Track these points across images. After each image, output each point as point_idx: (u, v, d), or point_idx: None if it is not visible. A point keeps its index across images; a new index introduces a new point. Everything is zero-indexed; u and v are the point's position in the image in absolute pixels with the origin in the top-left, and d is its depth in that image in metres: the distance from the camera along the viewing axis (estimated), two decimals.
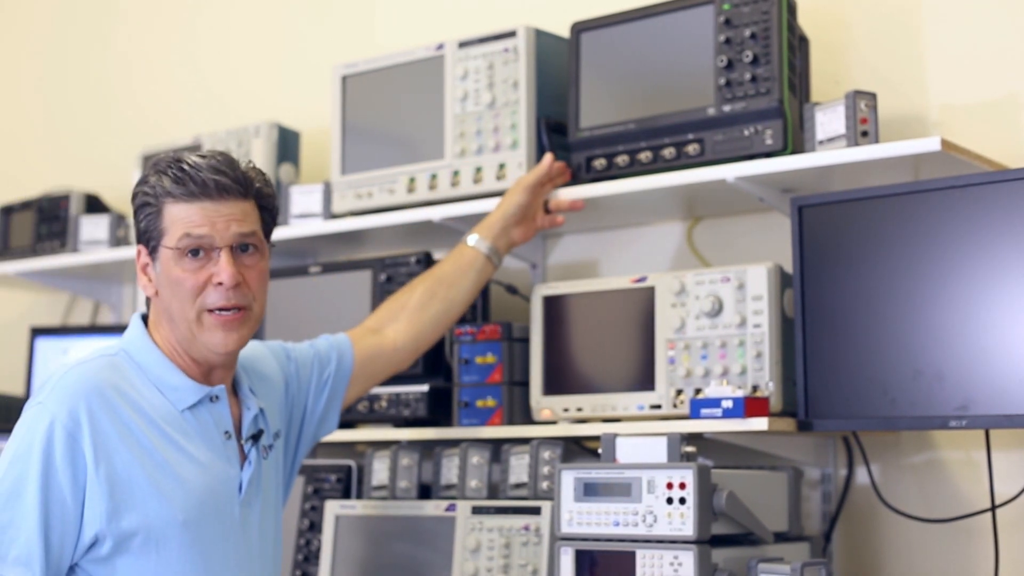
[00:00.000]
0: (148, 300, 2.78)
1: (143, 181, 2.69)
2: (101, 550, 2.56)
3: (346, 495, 3.56)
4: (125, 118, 5.04)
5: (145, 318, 2.78)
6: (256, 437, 2.79)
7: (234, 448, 2.74)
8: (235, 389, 2.82)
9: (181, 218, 2.64)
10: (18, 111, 5.50)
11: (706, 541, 2.74)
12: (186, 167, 2.65)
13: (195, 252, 2.65)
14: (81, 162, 5.05)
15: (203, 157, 2.68)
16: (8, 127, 5.51)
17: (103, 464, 2.55)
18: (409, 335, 3.21)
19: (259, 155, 4.05)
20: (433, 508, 3.30)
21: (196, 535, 2.62)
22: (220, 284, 2.65)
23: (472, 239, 3.30)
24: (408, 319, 3.21)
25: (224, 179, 2.66)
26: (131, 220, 4.33)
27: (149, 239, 2.68)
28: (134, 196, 2.70)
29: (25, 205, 4.70)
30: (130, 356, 2.71)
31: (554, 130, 3.44)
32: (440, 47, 3.61)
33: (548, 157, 3.35)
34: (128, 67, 5.11)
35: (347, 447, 3.87)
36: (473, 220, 3.55)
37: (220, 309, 2.67)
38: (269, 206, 2.77)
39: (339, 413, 3.12)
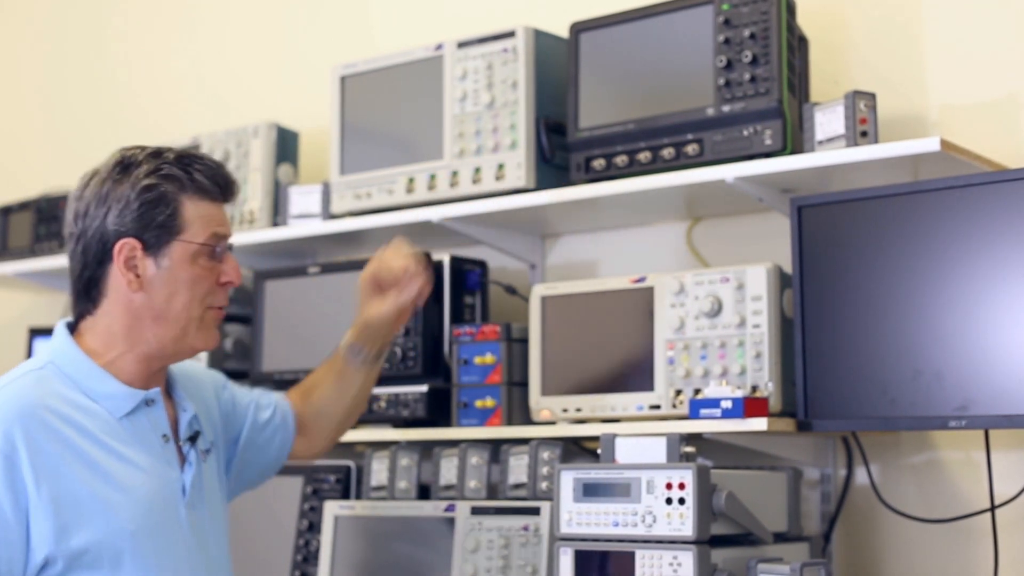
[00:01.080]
0: (84, 299, 2.67)
1: (153, 173, 2.62)
2: (54, 571, 2.50)
3: (345, 495, 3.56)
4: (124, 118, 5.03)
5: (71, 326, 2.70)
6: (193, 439, 2.73)
7: (172, 451, 2.68)
8: (169, 392, 2.76)
9: (208, 216, 2.65)
10: (16, 111, 5.50)
11: (705, 541, 2.73)
12: (209, 165, 2.66)
13: (215, 252, 2.66)
14: (80, 162, 4.99)
15: (208, 158, 2.70)
16: (6, 127, 5.51)
17: (45, 485, 2.49)
18: (323, 434, 3.12)
19: (258, 155, 4.05)
20: (432, 508, 3.30)
21: (147, 543, 2.57)
22: (228, 283, 2.69)
23: (344, 341, 3.07)
24: (319, 418, 3.10)
25: (237, 184, 2.72)
26: None
27: (159, 234, 2.61)
28: (144, 188, 2.61)
29: (23, 205, 4.69)
30: (59, 368, 2.63)
31: (553, 130, 3.44)
32: (439, 47, 3.60)
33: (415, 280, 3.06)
34: (127, 67, 5.10)
35: (346, 447, 3.87)
36: (472, 220, 3.56)
37: (220, 307, 2.70)
38: None
39: (271, 473, 3.06)
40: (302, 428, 3.08)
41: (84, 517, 2.52)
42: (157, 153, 2.66)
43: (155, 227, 2.61)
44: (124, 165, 2.65)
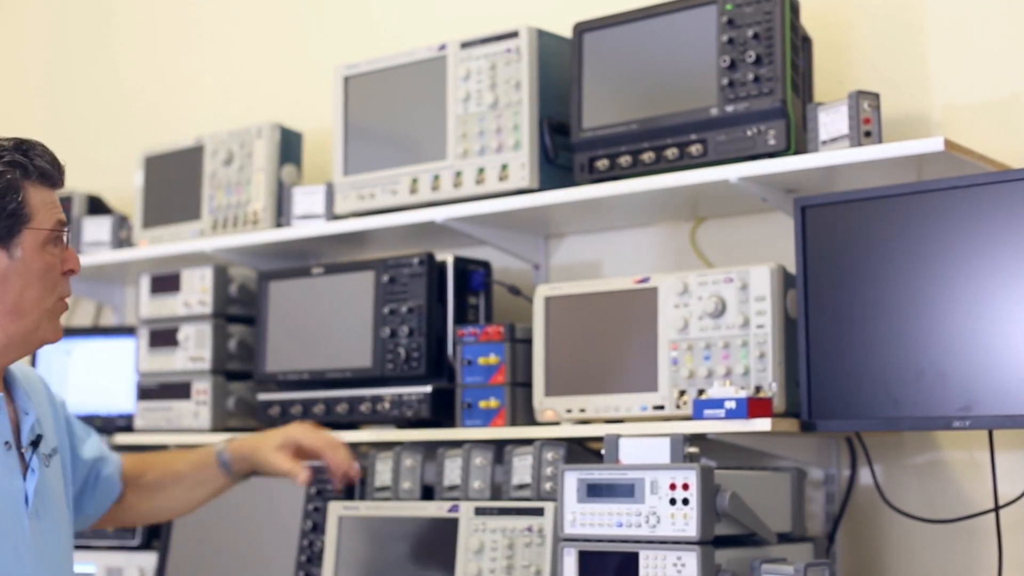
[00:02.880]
0: None
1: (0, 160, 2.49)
2: None
3: (349, 496, 3.55)
4: (128, 120, 5.03)
5: None
6: (36, 443, 2.56)
7: (15, 458, 2.52)
8: (9, 395, 2.59)
9: (49, 202, 2.53)
10: (20, 112, 5.50)
11: (709, 542, 2.73)
12: (46, 151, 2.56)
13: (59, 239, 2.54)
14: (83, 163, 5.03)
15: (41, 144, 2.58)
16: (10, 128, 5.50)
17: None
18: (123, 506, 2.97)
19: (261, 156, 4.05)
20: (436, 509, 3.30)
21: None
22: (70, 272, 2.58)
23: (221, 454, 3.01)
24: (136, 492, 2.97)
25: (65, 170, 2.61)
26: (134, 221, 4.38)
27: (9, 223, 2.47)
28: None
29: None
30: None
31: (557, 131, 3.44)
32: (442, 47, 3.60)
33: (341, 465, 3.05)
34: (131, 69, 5.10)
35: (350, 448, 3.87)
36: (476, 221, 3.55)
37: (65, 298, 2.59)
38: None
39: (92, 521, 2.92)
40: (122, 500, 2.95)
41: None
42: None
43: (5, 216, 2.47)
44: None
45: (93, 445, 2.88)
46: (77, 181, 4.77)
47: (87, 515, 2.88)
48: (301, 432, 3.05)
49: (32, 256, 2.50)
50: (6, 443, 2.51)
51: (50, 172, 2.54)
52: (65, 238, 2.56)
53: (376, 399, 3.54)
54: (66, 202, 4.51)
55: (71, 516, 2.69)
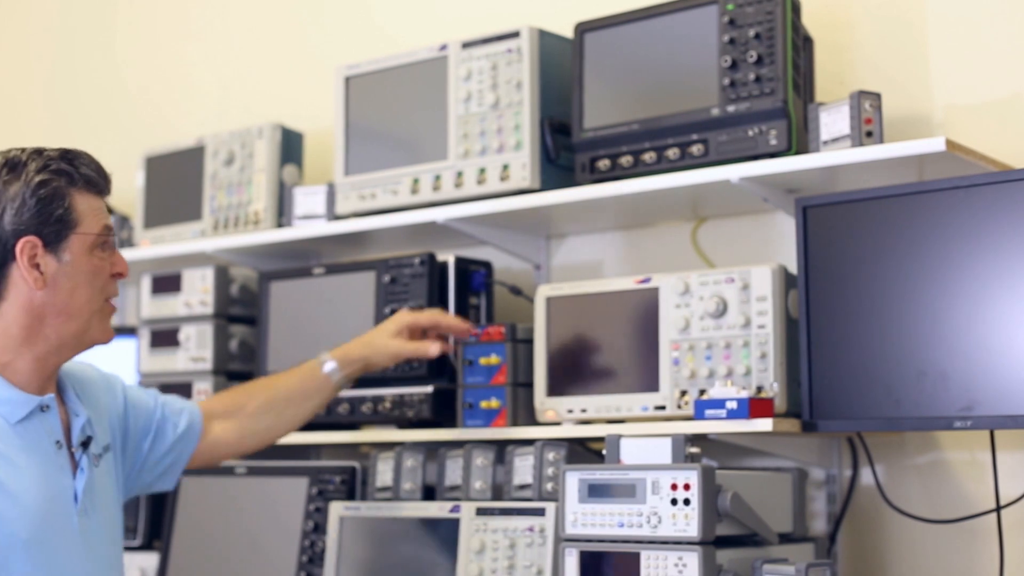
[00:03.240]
0: None
1: (43, 170, 2.62)
2: None
3: (350, 496, 3.55)
4: (128, 120, 5.04)
5: None
6: (86, 444, 2.71)
7: (65, 457, 2.67)
8: (61, 397, 2.75)
9: (96, 208, 2.69)
10: (23, 112, 5.50)
11: (711, 542, 2.73)
12: (91, 160, 2.70)
13: (106, 243, 2.70)
14: None
15: (86, 153, 2.72)
16: (11, 128, 5.51)
17: None
18: (233, 438, 3.15)
19: (262, 156, 4.05)
20: (437, 509, 3.30)
21: (39, 552, 2.56)
22: (119, 275, 2.74)
23: (330, 367, 3.23)
24: (239, 423, 3.15)
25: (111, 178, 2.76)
26: (135, 221, 4.38)
27: (58, 229, 2.62)
28: (37, 185, 2.61)
29: None
30: None
31: (558, 131, 3.44)
32: (443, 48, 3.60)
33: (455, 322, 3.37)
34: (132, 69, 5.11)
35: (351, 448, 3.87)
36: (477, 221, 3.55)
37: (113, 298, 2.75)
38: None
39: (178, 476, 3.07)
40: (223, 433, 3.12)
41: None
42: (39, 151, 2.67)
43: (53, 222, 2.62)
44: (10, 166, 2.64)
45: (172, 410, 3.03)
46: None
47: (170, 466, 3.03)
48: (409, 316, 3.30)
49: (80, 259, 2.65)
50: (57, 443, 2.67)
51: (95, 179, 2.69)
52: (113, 242, 2.73)
53: (377, 399, 3.54)
54: None
55: (120, 514, 2.83)
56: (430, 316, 3.34)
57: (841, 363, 2.95)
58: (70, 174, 2.65)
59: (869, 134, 2.99)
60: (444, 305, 3.51)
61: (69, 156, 2.68)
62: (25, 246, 2.61)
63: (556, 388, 3.31)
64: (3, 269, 2.63)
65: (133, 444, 2.95)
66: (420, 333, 3.33)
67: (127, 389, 2.98)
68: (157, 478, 3.03)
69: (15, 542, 2.54)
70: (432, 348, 3.29)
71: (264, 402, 3.18)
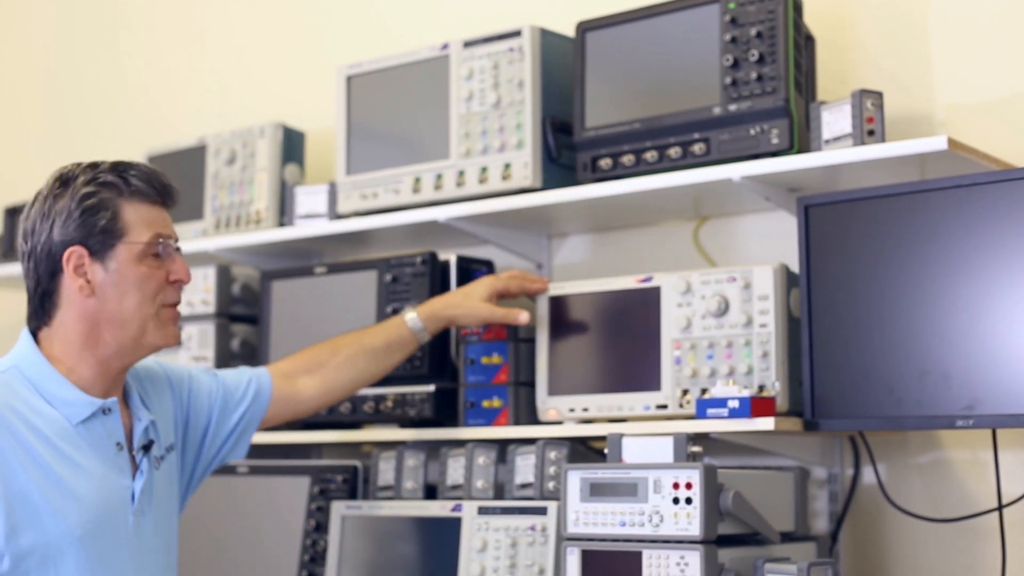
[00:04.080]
0: (40, 312, 2.77)
1: (91, 182, 2.72)
2: (1, 567, 2.59)
3: (352, 496, 3.55)
4: (130, 119, 5.04)
5: (34, 334, 2.78)
6: (147, 448, 2.81)
7: (126, 459, 2.77)
8: (125, 400, 2.84)
9: (148, 218, 2.76)
10: (23, 111, 5.50)
11: (712, 541, 2.73)
12: (145, 171, 2.77)
13: (161, 251, 2.77)
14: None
15: (143, 165, 2.80)
16: (12, 127, 5.52)
17: (0, 483, 2.60)
18: (318, 392, 3.23)
19: (264, 155, 4.05)
20: (439, 508, 3.30)
21: (93, 548, 2.65)
22: (178, 281, 2.80)
23: (414, 322, 3.30)
24: (323, 377, 3.24)
25: (175, 189, 2.83)
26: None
27: (103, 239, 2.71)
28: (83, 196, 2.71)
29: None
30: (22, 372, 2.73)
31: (559, 130, 3.44)
32: (445, 47, 3.60)
33: (538, 283, 3.39)
34: (133, 68, 5.11)
35: (353, 448, 3.87)
36: (478, 220, 3.55)
37: (173, 305, 2.81)
38: None
39: (249, 443, 3.15)
40: (307, 388, 3.21)
41: (33, 519, 2.61)
42: (94, 165, 2.76)
43: (98, 232, 2.71)
44: (63, 180, 2.76)
45: (234, 385, 3.12)
46: None
47: (240, 435, 3.11)
48: (500, 283, 3.36)
49: (127, 268, 2.73)
50: (118, 444, 2.76)
51: (145, 190, 2.76)
52: (162, 250, 2.77)
53: (379, 398, 3.54)
54: None
55: (176, 514, 2.93)
56: (519, 283, 3.37)
57: (843, 362, 2.95)
58: (117, 185, 2.72)
59: (871, 133, 2.98)
60: None
61: (120, 168, 2.76)
62: (71, 256, 2.71)
63: (558, 387, 3.31)
64: (56, 279, 2.73)
65: (197, 435, 3.04)
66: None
67: (192, 381, 3.06)
68: (230, 450, 3.11)
69: (71, 537, 2.63)
70: (522, 316, 3.32)
71: (348, 357, 3.25)
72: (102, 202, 2.71)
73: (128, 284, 2.73)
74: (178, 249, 2.82)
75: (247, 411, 3.11)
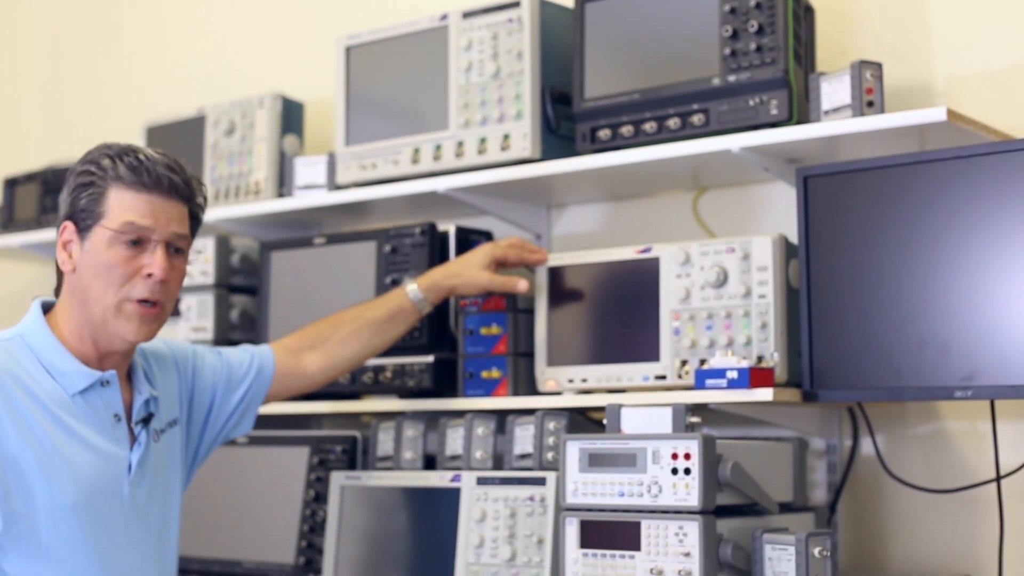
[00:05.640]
0: (59, 280, 2.83)
1: (91, 161, 2.76)
2: None
3: (351, 466, 3.56)
4: (130, 90, 5.03)
5: (45, 306, 2.84)
6: (147, 420, 2.85)
7: (124, 430, 2.80)
8: (130, 375, 2.88)
9: (127, 205, 2.73)
10: (22, 83, 5.49)
11: (711, 511, 2.74)
12: (142, 158, 2.76)
13: (134, 241, 2.73)
14: (85, 133, 5.02)
15: (157, 153, 2.79)
16: (12, 99, 5.51)
17: None
18: (323, 366, 3.26)
19: (263, 126, 4.05)
20: (438, 479, 3.30)
21: (86, 517, 2.69)
22: (150, 276, 2.74)
23: (415, 293, 3.32)
24: (326, 352, 3.26)
25: (176, 178, 2.78)
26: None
27: (84, 218, 2.73)
28: (79, 173, 2.75)
29: (29, 177, 4.69)
30: (25, 341, 2.77)
31: (558, 100, 3.44)
32: (444, 17, 3.60)
33: (538, 253, 3.40)
34: (132, 39, 5.10)
35: (352, 418, 3.88)
36: (478, 191, 3.55)
37: (142, 300, 2.74)
38: (199, 216, 2.88)
39: (254, 418, 3.18)
40: (311, 363, 3.24)
41: (26, 484, 2.65)
42: (108, 146, 2.79)
43: (81, 211, 2.74)
44: (84, 157, 2.80)
45: (237, 362, 3.14)
46: (78, 152, 4.78)
47: (244, 411, 3.15)
48: (499, 250, 3.37)
49: (98, 251, 2.72)
50: (116, 416, 2.79)
51: (127, 177, 2.73)
52: (135, 239, 2.72)
53: (378, 369, 3.55)
54: (66, 173, 4.50)
55: (178, 486, 2.96)
56: (517, 253, 3.38)
57: (842, 333, 2.95)
58: (106, 168, 2.73)
59: (870, 104, 2.98)
60: None
61: (123, 152, 2.76)
62: (64, 229, 2.77)
63: (557, 358, 3.32)
64: (59, 252, 2.80)
65: (202, 412, 3.08)
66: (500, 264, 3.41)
67: (196, 359, 3.09)
68: (235, 426, 3.14)
69: (62, 504, 2.67)
70: (521, 283, 3.34)
71: (351, 331, 3.27)
72: (92, 182, 2.74)
73: (97, 267, 2.72)
74: (174, 247, 2.77)
75: (250, 388, 3.13)
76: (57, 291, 2.85)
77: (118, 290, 2.73)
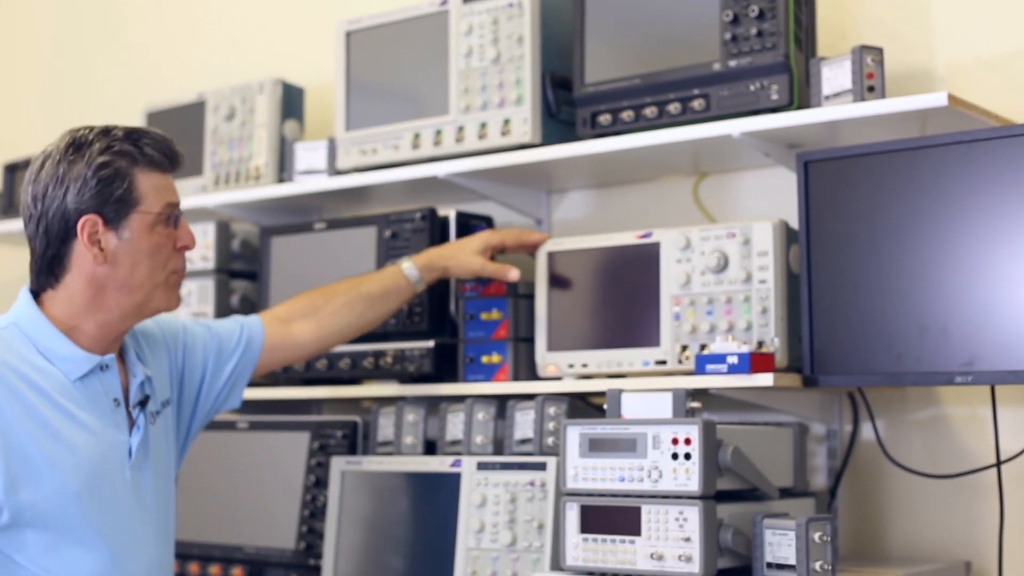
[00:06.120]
0: (46, 275, 2.78)
1: (109, 150, 2.74)
2: (1, 520, 2.63)
3: (352, 451, 3.57)
4: (130, 75, 5.02)
5: (34, 293, 2.81)
6: (143, 403, 2.85)
7: (123, 414, 2.81)
8: (122, 357, 2.88)
9: (159, 186, 2.79)
10: (22, 67, 5.49)
11: (711, 496, 2.74)
12: (156, 138, 2.79)
13: (170, 219, 2.80)
14: (86, 118, 5.00)
15: (155, 132, 2.82)
16: (12, 84, 5.50)
17: None
18: (314, 336, 3.26)
19: (263, 111, 4.04)
20: (438, 464, 3.31)
21: (90, 503, 2.70)
22: (184, 247, 2.83)
23: (410, 271, 3.34)
24: (318, 322, 3.27)
25: (182, 155, 2.85)
26: None
27: (117, 208, 2.73)
28: (100, 166, 2.72)
29: (29, 163, 4.68)
30: (21, 329, 2.76)
31: (559, 85, 3.43)
32: (444, 2, 3.59)
33: (536, 237, 3.42)
34: (133, 23, 5.09)
35: (353, 403, 3.88)
36: (478, 176, 3.54)
37: (180, 271, 2.85)
38: None
39: (243, 392, 3.18)
40: (302, 333, 3.24)
41: (32, 473, 2.65)
42: (106, 131, 2.78)
43: (114, 202, 2.73)
44: (76, 145, 2.76)
45: (227, 334, 3.15)
46: None
47: (234, 384, 3.15)
48: (496, 237, 3.40)
49: (141, 237, 2.76)
50: (115, 400, 2.80)
51: (158, 159, 2.79)
52: (177, 217, 2.82)
53: (378, 354, 3.55)
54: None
55: (173, 467, 2.97)
56: (516, 239, 3.40)
57: (842, 318, 2.95)
58: (133, 154, 2.75)
59: (871, 89, 2.98)
60: None
61: (134, 136, 2.78)
62: (86, 224, 2.72)
63: (557, 343, 3.32)
64: (67, 244, 2.75)
65: (193, 389, 3.08)
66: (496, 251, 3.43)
67: (186, 334, 3.10)
68: (224, 400, 3.14)
69: (68, 492, 2.67)
70: (512, 273, 3.36)
71: (344, 303, 3.29)
72: (118, 171, 2.73)
73: (141, 253, 2.75)
74: (181, 214, 2.85)
75: (240, 361, 3.13)
76: (37, 283, 2.80)
77: (163, 269, 2.79)
